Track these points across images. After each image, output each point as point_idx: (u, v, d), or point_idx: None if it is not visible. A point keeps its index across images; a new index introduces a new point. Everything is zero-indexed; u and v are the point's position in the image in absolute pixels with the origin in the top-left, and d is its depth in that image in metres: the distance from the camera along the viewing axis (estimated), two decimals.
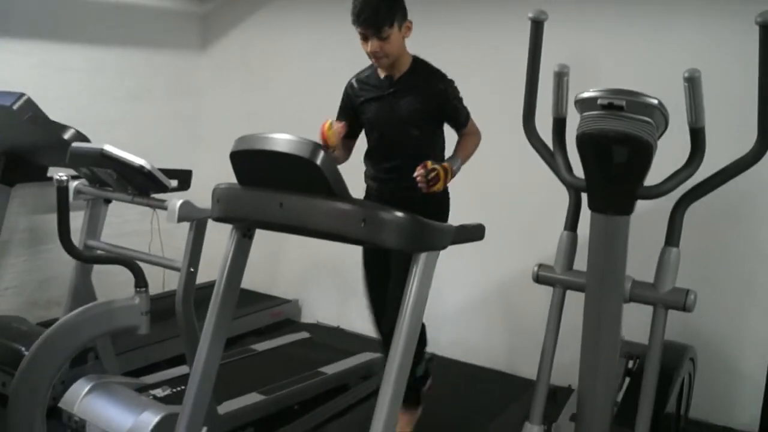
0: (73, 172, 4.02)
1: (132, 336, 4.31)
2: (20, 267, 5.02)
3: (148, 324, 2.55)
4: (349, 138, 3.43)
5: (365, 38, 3.17)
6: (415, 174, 3.01)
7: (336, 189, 2.34)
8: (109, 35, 5.42)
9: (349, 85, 3.45)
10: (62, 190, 2.49)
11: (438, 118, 3.35)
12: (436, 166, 3.02)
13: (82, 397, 3.62)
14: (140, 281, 2.50)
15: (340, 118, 3.42)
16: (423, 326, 3.47)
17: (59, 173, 2.49)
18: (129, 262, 2.57)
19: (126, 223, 5.11)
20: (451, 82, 3.31)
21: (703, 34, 3.95)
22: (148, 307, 2.53)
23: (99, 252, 3.19)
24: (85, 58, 5.26)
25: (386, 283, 3.44)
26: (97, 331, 2.49)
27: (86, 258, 2.68)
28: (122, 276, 4.72)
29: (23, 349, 3.87)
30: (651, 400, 2.78)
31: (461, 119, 3.34)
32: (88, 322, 2.47)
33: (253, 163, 2.50)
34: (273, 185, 2.45)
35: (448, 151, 3.43)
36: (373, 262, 3.55)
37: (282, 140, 2.36)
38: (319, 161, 2.29)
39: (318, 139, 2.99)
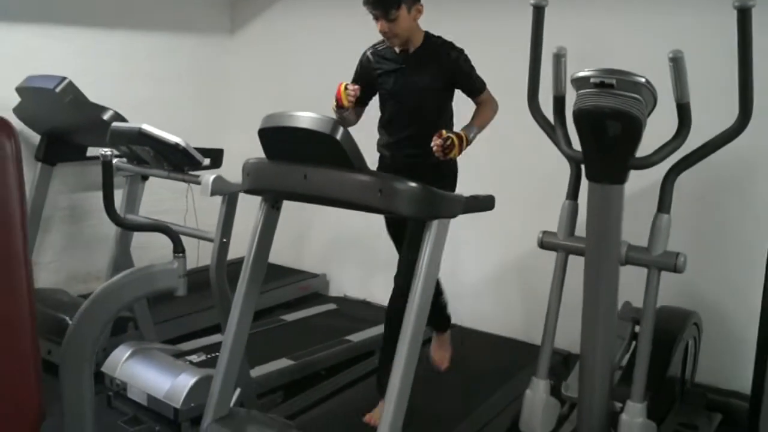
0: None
1: (169, 306, 4.65)
2: (61, 243, 5.24)
3: (185, 287, 2.76)
4: (360, 105, 3.59)
5: (376, 18, 3.34)
6: (432, 143, 3.16)
7: (355, 162, 2.57)
8: (142, 21, 5.61)
9: (365, 57, 3.62)
10: (107, 164, 2.73)
11: (451, 87, 3.49)
12: (451, 135, 3.17)
13: (123, 362, 3.85)
14: (178, 247, 2.72)
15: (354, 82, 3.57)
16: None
17: (103, 150, 2.71)
18: (167, 228, 2.80)
19: (161, 202, 5.34)
20: (462, 51, 3.44)
21: (690, 17, 4.09)
22: (185, 271, 2.75)
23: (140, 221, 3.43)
24: (119, 43, 5.45)
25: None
26: (139, 293, 2.71)
27: (129, 225, 2.92)
28: (158, 252, 5.02)
29: (67, 318, 4.14)
30: (647, 355, 2.96)
31: (476, 85, 3.46)
32: (129, 285, 2.69)
33: (280, 139, 2.71)
34: (298, 159, 2.67)
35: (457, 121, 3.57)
36: (394, 224, 3.72)
37: (306, 117, 2.59)
38: (339, 136, 2.52)
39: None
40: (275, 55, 6.12)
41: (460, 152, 3.24)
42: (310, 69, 5.87)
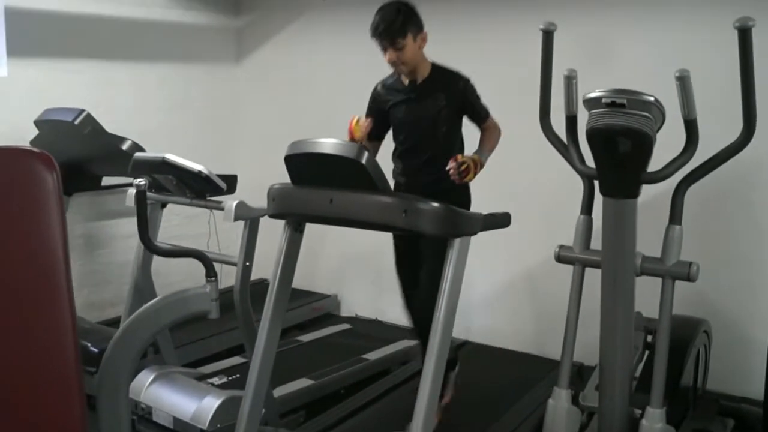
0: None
1: (188, 330, 4.73)
2: (77, 271, 5.14)
3: (217, 309, 2.85)
4: (376, 140, 3.72)
5: (384, 49, 3.48)
6: (448, 167, 3.28)
7: (379, 184, 2.68)
8: (151, 51, 5.74)
9: (376, 91, 3.75)
10: (141, 193, 2.82)
11: (459, 114, 3.60)
12: (466, 159, 3.31)
13: (147, 386, 3.91)
14: (210, 271, 2.80)
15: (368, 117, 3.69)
16: None
17: (137, 180, 2.81)
18: (200, 254, 2.88)
19: (173, 228, 5.49)
20: (468, 80, 3.57)
21: (696, 36, 4.25)
22: (217, 294, 2.83)
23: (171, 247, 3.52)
24: (129, 74, 5.56)
25: (416, 264, 3.70)
26: (173, 317, 2.78)
27: (162, 252, 3.00)
28: (171, 278, 5.11)
29: (89, 345, 4.22)
30: (664, 362, 3.05)
31: (482, 113, 3.59)
32: (164, 309, 2.76)
33: (305, 165, 2.82)
34: (323, 183, 2.78)
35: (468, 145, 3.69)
36: (403, 247, 3.81)
37: (330, 144, 2.71)
38: (364, 161, 2.63)
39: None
40: (281, 83, 6.23)
41: (474, 176, 3.38)
42: (315, 95, 5.98)
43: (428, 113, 3.57)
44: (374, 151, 3.72)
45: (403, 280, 3.89)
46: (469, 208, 3.54)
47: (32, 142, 4.55)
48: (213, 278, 2.80)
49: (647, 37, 4.45)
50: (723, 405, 4.05)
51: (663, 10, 4.39)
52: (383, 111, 3.69)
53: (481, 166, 3.43)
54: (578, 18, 4.49)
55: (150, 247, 2.96)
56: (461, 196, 3.61)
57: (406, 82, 3.62)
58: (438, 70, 3.60)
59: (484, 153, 3.52)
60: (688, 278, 2.98)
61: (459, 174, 3.29)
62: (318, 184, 2.81)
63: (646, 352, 3.74)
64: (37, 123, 4.55)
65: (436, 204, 2.63)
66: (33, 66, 4.97)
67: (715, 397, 4.10)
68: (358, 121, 3.48)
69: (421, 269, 3.65)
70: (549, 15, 3.29)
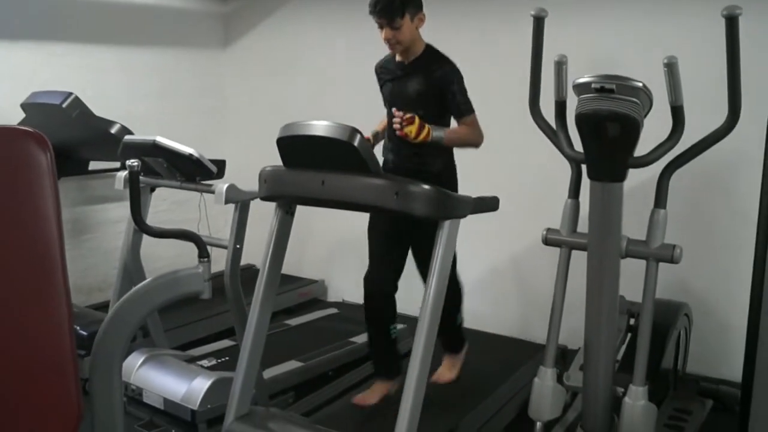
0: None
1: (177, 313, 4.75)
2: None
3: (210, 290, 2.87)
4: None
5: (381, 26, 3.49)
6: (395, 114, 3.37)
7: (371, 167, 2.72)
8: (139, 37, 5.74)
9: (375, 70, 3.79)
10: (134, 174, 2.83)
11: (440, 100, 3.55)
12: (415, 116, 3.36)
13: (137, 368, 3.96)
14: (203, 252, 2.81)
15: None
16: (459, 281, 3.90)
17: (130, 161, 2.82)
18: (192, 235, 2.90)
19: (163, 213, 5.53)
20: (456, 69, 3.54)
21: (683, 25, 4.30)
22: (210, 275, 2.85)
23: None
24: (117, 59, 5.57)
25: (390, 248, 3.74)
26: (166, 297, 2.80)
27: (155, 233, 3.01)
28: (159, 263, 5.13)
29: (78, 328, 4.22)
30: (647, 341, 3.12)
31: (460, 108, 3.54)
32: (157, 289, 2.77)
33: (297, 147, 2.85)
34: (315, 165, 2.81)
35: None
36: (379, 227, 3.77)
37: (323, 126, 2.74)
38: (356, 143, 2.67)
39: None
40: (268, 68, 6.26)
41: (415, 137, 3.39)
42: (303, 80, 6.02)
43: (408, 94, 3.59)
44: None
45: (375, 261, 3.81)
46: (455, 192, 3.58)
47: (19, 126, 4.54)
48: (206, 259, 2.82)
49: (635, 24, 4.50)
50: (702, 386, 4.16)
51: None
52: (381, 88, 3.77)
53: (428, 136, 3.41)
54: (566, 7, 4.52)
55: (143, 227, 2.98)
56: (449, 179, 3.66)
57: (398, 60, 3.65)
58: (428, 53, 3.61)
59: (441, 130, 3.50)
60: (672, 260, 3.04)
61: (401, 122, 3.35)
62: (310, 167, 2.84)
63: (629, 335, 3.80)
64: (24, 106, 4.54)
65: (427, 186, 2.68)
66: (19, 49, 4.97)
67: (694, 379, 4.19)
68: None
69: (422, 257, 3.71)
70: (540, 1, 3.33)
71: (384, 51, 3.69)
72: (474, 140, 3.59)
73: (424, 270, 3.58)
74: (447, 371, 4.12)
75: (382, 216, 3.65)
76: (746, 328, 3.15)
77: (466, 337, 4.19)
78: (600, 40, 4.59)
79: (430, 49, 3.62)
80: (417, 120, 3.37)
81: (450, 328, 3.95)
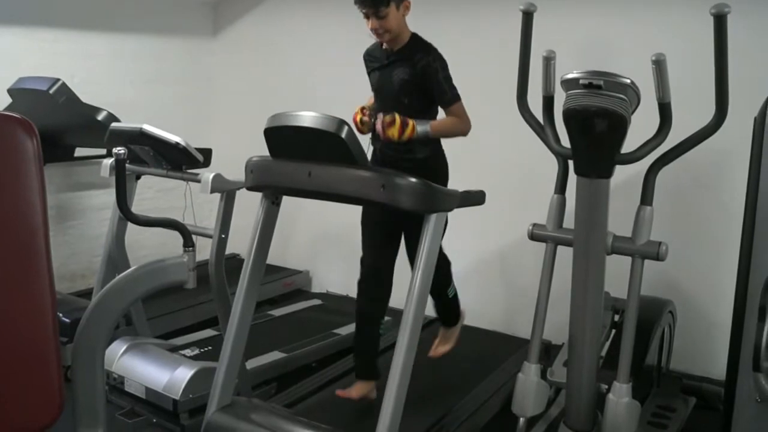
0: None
1: (160, 302, 4.74)
2: None
3: (194, 279, 2.87)
4: None
5: (367, 16, 3.46)
6: (378, 118, 3.35)
7: (358, 158, 2.71)
8: (128, 23, 5.70)
9: (364, 57, 3.77)
10: (120, 161, 2.82)
11: (424, 89, 3.51)
12: (396, 115, 3.33)
13: (120, 356, 3.94)
14: (188, 241, 2.81)
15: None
16: (446, 256, 3.86)
17: (117, 149, 2.81)
18: (177, 224, 2.89)
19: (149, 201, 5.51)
20: (440, 57, 3.50)
21: (672, 22, 4.32)
22: (194, 264, 2.84)
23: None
24: (106, 45, 5.55)
25: (382, 241, 3.75)
26: (150, 286, 2.80)
27: (140, 221, 3.00)
28: (143, 251, 5.12)
29: (61, 315, 4.20)
30: (631, 337, 3.13)
31: (445, 97, 3.49)
32: (142, 278, 2.76)
33: (284, 138, 2.84)
34: (302, 156, 2.80)
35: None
36: (371, 217, 3.78)
37: (310, 117, 2.73)
38: (343, 135, 2.66)
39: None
40: (257, 57, 6.24)
41: (399, 136, 3.36)
42: (292, 69, 6.00)
43: (392, 82, 3.56)
44: None
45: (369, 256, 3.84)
46: (445, 185, 3.57)
47: (6, 111, 4.50)
48: (190, 248, 2.82)
49: (624, 21, 4.51)
50: (686, 384, 4.19)
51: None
52: (368, 76, 3.76)
53: (413, 132, 3.38)
54: (556, 2, 4.52)
55: (128, 215, 2.97)
56: (436, 165, 3.65)
57: (384, 48, 3.63)
58: (414, 42, 3.58)
59: (425, 124, 3.45)
60: (657, 257, 3.04)
61: (382, 124, 3.34)
62: (297, 158, 2.83)
63: (613, 331, 3.82)
64: (10, 91, 4.52)
65: (413, 179, 2.67)
66: (7, 33, 4.94)
67: (678, 376, 4.22)
68: (362, 113, 3.53)
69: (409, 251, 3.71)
70: None
71: (374, 40, 3.67)
72: (461, 129, 3.56)
73: (413, 256, 3.57)
74: (442, 345, 4.13)
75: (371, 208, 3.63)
76: (731, 326, 3.17)
77: (461, 309, 4.14)
78: (588, 36, 4.59)
79: (415, 38, 3.59)
80: (397, 119, 3.33)
81: (443, 301, 3.97)
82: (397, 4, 3.45)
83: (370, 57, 3.74)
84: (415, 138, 3.41)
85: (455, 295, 4.03)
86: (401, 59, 3.55)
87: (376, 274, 3.74)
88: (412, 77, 3.50)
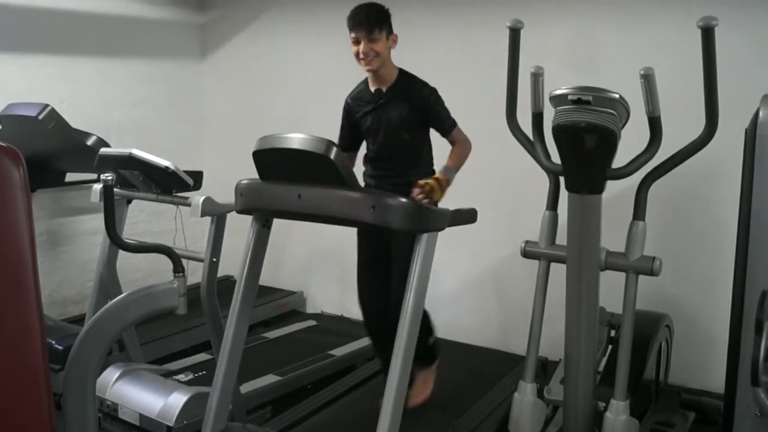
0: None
1: (153, 327, 4.71)
2: (40, 268, 5.23)
3: (185, 305, 2.84)
4: (352, 151, 3.80)
5: (357, 42, 3.50)
6: (413, 194, 3.26)
7: (347, 180, 2.70)
8: (116, 46, 5.69)
9: (346, 104, 3.78)
10: (108, 188, 2.79)
11: (424, 122, 3.63)
12: (429, 181, 3.30)
13: (113, 383, 3.88)
14: (178, 267, 2.78)
15: (343, 131, 3.80)
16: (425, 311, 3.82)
17: (105, 174, 2.78)
18: (167, 249, 2.86)
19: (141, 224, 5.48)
20: (434, 90, 3.61)
21: (660, 36, 4.31)
22: (185, 290, 2.82)
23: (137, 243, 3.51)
24: (94, 69, 5.53)
25: (380, 268, 3.76)
26: (141, 313, 2.77)
27: (129, 247, 2.97)
28: (135, 275, 5.09)
29: (53, 342, 4.17)
30: (628, 355, 3.11)
31: (445, 125, 3.60)
32: (132, 305, 2.74)
33: (274, 160, 2.82)
34: (291, 179, 2.78)
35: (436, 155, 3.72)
36: (369, 245, 3.84)
37: (299, 139, 2.71)
38: (332, 156, 2.64)
39: None
40: (246, 78, 6.22)
41: (442, 193, 3.38)
42: (280, 91, 5.99)
43: (392, 121, 3.62)
44: (352, 162, 3.78)
45: (364, 288, 3.92)
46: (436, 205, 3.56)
47: None
48: (180, 274, 2.79)
49: (614, 36, 4.50)
50: (684, 398, 4.15)
51: (628, 12, 4.46)
52: (355, 122, 3.75)
53: (448, 183, 3.42)
54: (545, 18, 4.53)
55: (117, 242, 2.93)
56: None
57: (373, 89, 3.66)
58: (404, 78, 3.65)
59: (449, 170, 3.51)
60: (651, 273, 3.03)
61: (426, 195, 3.29)
62: (286, 180, 2.81)
63: (609, 347, 3.80)
64: None
65: (403, 199, 2.66)
66: None
67: (676, 391, 4.19)
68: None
69: (392, 272, 3.68)
70: (517, 13, 3.32)
71: (360, 68, 3.66)
72: (468, 152, 3.62)
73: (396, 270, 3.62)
74: (420, 391, 4.02)
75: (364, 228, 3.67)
76: (728, 338, 3.15)
77: (439, 352, 4.10)
78: (577, 51, 4.59)
79: (404, 74, 3.66)
80: (433, 182, 3.31)
81: (423, 349, 3.87)
82: (387, 33, 3.51)
83: (357, 101, 3.74)
84: (449, 182, 3.45)
85: (435, 342, 4.01)
86: (397, 96, 3.61)
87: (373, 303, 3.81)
88: (411, 112, 3.58)
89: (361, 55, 3.52)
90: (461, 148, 3.61)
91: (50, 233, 5.38)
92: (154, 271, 5.42)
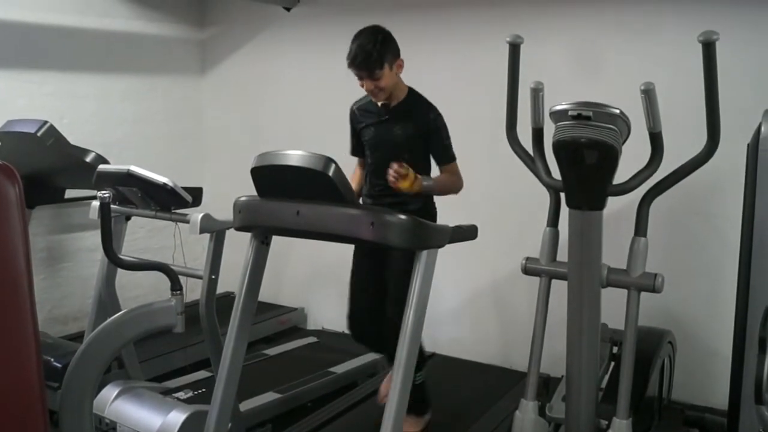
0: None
1: (152, 344, 4.68)
2: (39, 285, 5.19)
3: (183, 323, 2.82)
4: (363, 156, 3.80)
5: (361, 78, 3.49)
6: (391, 167, 3.29)
7: (346, 196, 2.67)
8: (116, 63, 5.70)
9: (352, 112, 3.78)
10: (105, 205, 2.77)
11: (425, 146, 3.62)
12: (410, 169, 3.31)
13: (111, 401, 3.84)
14: (175, 285, 2.77)
15: (351, 138, 3.79)
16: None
17: (101, 192, 2.77)
18: (165, 267, 2.85)
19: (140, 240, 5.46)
20: (440, 115, 3.59)
21: (660, 51, 4.32)
22: (182, 308, 2.80)
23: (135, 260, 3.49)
24: (94, 86, 5.54)
25: (373, 288, 3.76)
26: (138, 331, 2.75)
27: (127, 265, 2.96)
28: (136, 291, 5.07)
29: (52, 360, 4.16)
30: (630, 373, 3.07)
31: (445, 154, 3.61)
32: (129, 323, 2.73)
33: (272, 177, 2.80)
34: (290, 195, 2.76)
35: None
36: (363, 268, 3.83)
37: (297, 155, 2.69)
38: (331, 173, 2.62)
39: None
40: (246, 95, 6.23)
41: (409, 188, 3.35)
42: (280, 108, 6.00)
43: (394, 138, 3.60)
44: (362, 168, 3.83)
45: (356, 302, 3.91)
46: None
47: None
48: (178, 291, 2.77)
49: (614, 52, 4.50)
50: (688, 415, 4.12)
51: (628, 28, 4.45)
52: (357, 132, 3.75)
53: (419, 188, 3.40)
54: (545, 33, 4.53)
55: (114, 260, 2.92)
56: (427, 213, 3.64)
57: (380, 104, 3.64)
58: (412, 97, 3.64)
59: (430, 180, 3.51)
60: (654, 290, 3.00)
61: (395, 176, 3.30)
62: (285, 197, 2.79)
63: (612, 363, 3.76)
64: None
65: (403, 216, 2.63)
66: None
67: (680, 407, 4.16)
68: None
69: (388, 289, 3.66)
70: (517, 29, 3.30)
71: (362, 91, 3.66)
72: (458, 186, 3.65)
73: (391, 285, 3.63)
74: None
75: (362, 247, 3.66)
76: (731, 354, 3.12)
77: (431, 400, 3.99)
78: (577, 66, 4.58)
79: (413, 93, 3.65)
80: (411, 174, 3.32)
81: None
82: (390, 65, 3.48)
83: (362, 112, 3.73)
84: (422, 191, 3.43)
85: (423, 383, 3.88)
86: (403, 114, 3.60)
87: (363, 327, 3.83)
88: (416, 132, 3.57)
89: (367, 92, 3.54)
90: (453, 179, 3.63)
91: (50, 249, 5.37)
92: (155, 287, 5.40)
